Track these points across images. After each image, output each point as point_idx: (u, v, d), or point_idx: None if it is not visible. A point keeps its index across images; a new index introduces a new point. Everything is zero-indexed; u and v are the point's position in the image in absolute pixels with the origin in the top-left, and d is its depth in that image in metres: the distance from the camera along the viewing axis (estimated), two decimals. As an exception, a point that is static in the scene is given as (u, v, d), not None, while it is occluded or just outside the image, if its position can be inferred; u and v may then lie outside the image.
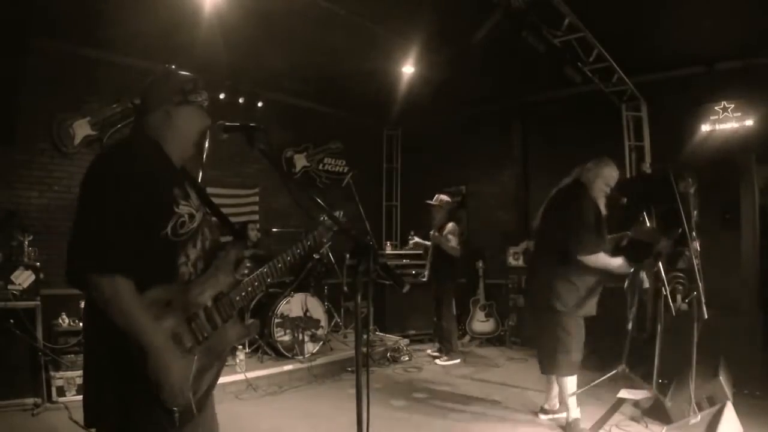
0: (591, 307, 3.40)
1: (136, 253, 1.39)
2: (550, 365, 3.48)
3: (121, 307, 1.35)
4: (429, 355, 5.99)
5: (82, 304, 4.09)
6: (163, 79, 1.63)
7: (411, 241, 6.64)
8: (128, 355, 1.37)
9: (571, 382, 3.41)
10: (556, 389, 3.64)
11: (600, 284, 3.38)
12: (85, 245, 1.37)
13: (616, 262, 3.28)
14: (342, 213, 1.89)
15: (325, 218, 1.83)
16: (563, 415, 3.54)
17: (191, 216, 1.55)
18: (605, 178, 3.38)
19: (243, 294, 1.69)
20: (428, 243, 5.98)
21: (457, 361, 5.71)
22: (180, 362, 1.43)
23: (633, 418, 3.63)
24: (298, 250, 1.82)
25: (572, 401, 3.42)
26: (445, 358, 5.71)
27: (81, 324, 1.29)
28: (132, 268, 1.37)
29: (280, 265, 1.79)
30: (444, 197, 5.93)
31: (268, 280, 1.76)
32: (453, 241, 5.67)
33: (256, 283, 1.72)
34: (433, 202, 5.88)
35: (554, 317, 3.35)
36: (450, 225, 5.76)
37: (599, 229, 3.24)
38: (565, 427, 3.48)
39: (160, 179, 1.50)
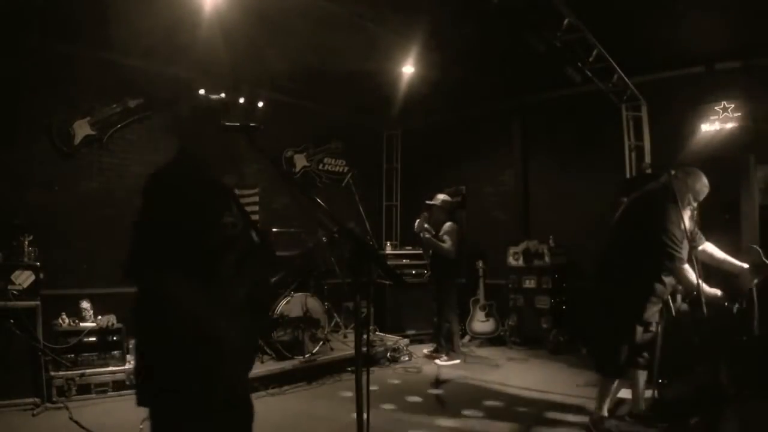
0: (652, 313, 3.36)
1: (191, 256, 1.63)
2: (599, 362, 3.46)
3: (184, 297, 1.59)
4: (425, 355, 5.99)
5: (81, 304, 4.04)
6: (193, 96, 1.92)
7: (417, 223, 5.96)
8: (179, 340, 1.58)
9: (608, 384, 3.43)
10: (641, 392, 3.61)
11: (667, 292, 3.34)
12: (151, 250, 1.62)
13: (705, 288, 3.15)
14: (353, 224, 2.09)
15: (321, 236, 2.11)
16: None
17: (234, 225, 1.81)
18: (695, 193, 3.30)
19: (268, 293, 2.01)
20: (426, 228, 5.80)
21: (457, 361, 5.71)
22: (237, 337, 1.67)
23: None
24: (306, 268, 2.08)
25: (604, 399, 3.45)
26: (445, 358, 5.71)
27: (135, 313, 1.51)
28: (189, 268, 1.61)
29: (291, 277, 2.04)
30: (443, 196, 5.92)
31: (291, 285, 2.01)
32: (448, 242, 5.65)
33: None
34: (432, 201, 5.87)
35: (611, 315, 3.34)
36: (447, 225, 5.75)
37: (682, 241, 3.17)
38: (589, 422, 3.50)
39: (209, 196, 1.78)
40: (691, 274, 3.14)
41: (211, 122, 1.81)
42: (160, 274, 1.58)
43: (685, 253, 3.16)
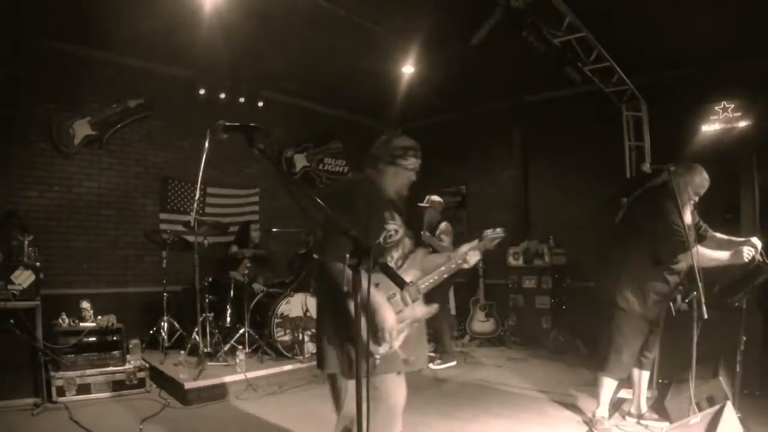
0: (656, 311, 3.35)
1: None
2: (602, 362, 3.44)
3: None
4: None
5: (81, 304, 4.00)
6: (385, 140, 2.39)
7: None
8: (348, 320, 1.96)
9: (610, 384, 3.43)
10: (643, 393, 3.61)
11: (672, 292, 3.32)
12: (334, 246, 2.02)
13: (718, 255, 3.15)
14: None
15: (488, 234, 2.63)
16: (658, 423, 3.49)
17: (396, 231, 2.28)
18: (695, 187, 3.27)
19: (427, 284, 2.34)
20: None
21: (453, 363, 5.51)
22: (393, 314, 2.08)
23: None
24: (459, 261, 2.46)
25: (604, 399, 3.45)
26: (439, 361, 5.50)
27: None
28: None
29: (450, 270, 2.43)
30: (435, 198, 5.87)
31: (445, 276, 2.42)
32: (446, 241, 5.62)
33: (435, 277, 2.36)
34: (424, 204, 5.85)
35: (615, 313, 3.34)
36: (443, 225, 5.72)
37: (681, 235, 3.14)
38: (589, 422, 3.50)
39: (378, 206, 2.26)
40: (709, 251, 3.13)
41: (388, 162, 2.32)
42: (337, 264, 2.01)
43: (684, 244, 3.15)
